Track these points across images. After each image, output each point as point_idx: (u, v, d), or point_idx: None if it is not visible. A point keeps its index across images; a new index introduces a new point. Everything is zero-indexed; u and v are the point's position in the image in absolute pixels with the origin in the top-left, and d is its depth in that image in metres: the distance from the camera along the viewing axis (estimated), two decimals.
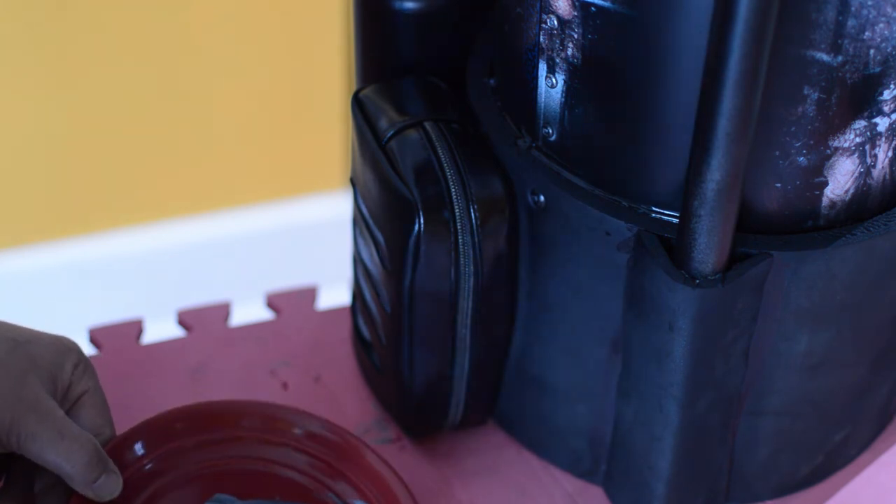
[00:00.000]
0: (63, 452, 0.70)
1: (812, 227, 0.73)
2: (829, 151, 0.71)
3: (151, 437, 0.78)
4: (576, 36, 0.71)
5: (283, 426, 0.80)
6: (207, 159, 1.61)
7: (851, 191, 0.73)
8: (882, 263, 0.74)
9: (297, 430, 0.80)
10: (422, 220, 0.74)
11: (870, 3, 0.66)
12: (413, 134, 0.77)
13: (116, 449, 0.76)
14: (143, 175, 1.59)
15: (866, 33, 0.67)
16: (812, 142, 0.70)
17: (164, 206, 1.63)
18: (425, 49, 0.82)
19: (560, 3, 0.71)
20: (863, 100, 0.69)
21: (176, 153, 1.59)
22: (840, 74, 0.68)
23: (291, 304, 0.94)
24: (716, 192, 0.67)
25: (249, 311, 0.98)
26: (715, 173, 0.66)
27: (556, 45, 0.73)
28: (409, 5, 0.80)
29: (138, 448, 0.77)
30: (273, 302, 0.94)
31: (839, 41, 0.67)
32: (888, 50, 0.68)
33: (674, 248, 0.71)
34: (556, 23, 0.72)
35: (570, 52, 0.72)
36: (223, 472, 0.79)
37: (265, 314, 0.94)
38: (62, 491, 0.73)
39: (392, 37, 0.82)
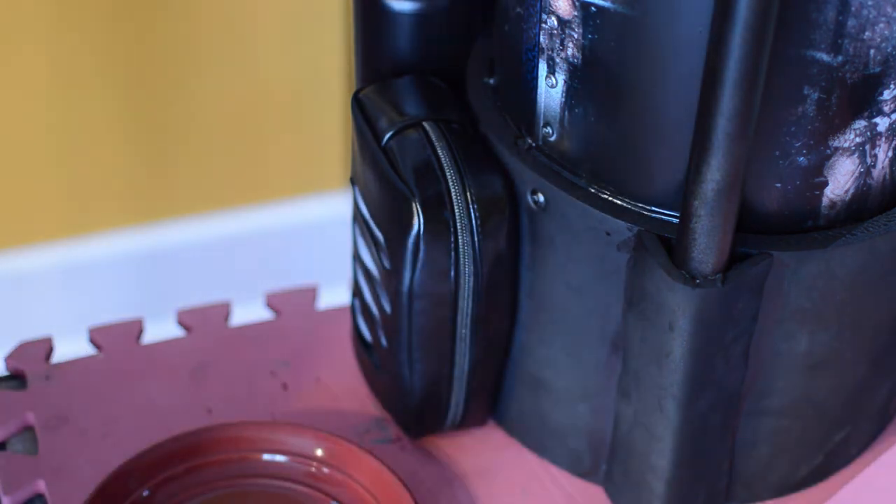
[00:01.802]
0: None
1: (812, 227, 0.73)
2: (829, 151, 0.71)
3: (147, 468, 0.78)
4: (576, 36, 0.71)
5: (276, 441, 0.80)
6: (207, 159, 1.61)
7: (851, 191, 0.73)
8: (882, 263, 0.74)
9: (290, 443, 0.80)
10: (422, 220, 0.74)
11: (870, 2, 0.66)
12: (413, 134, 0.77)
13: (114, 481, 0.76)
14: (143, 175, 1.59)
15: (866, 33, 0.67)
16: (812, 142, 0.70)
17: (163, 207, 1.63)
18: (425, 49, 0.82)
19: (560, 3, 0.71)
20: (863, 100, 0.69)
21: (176, 153, 1.59)
22: (840, 74, 0.68)
23: (291, 304, 0.94)
24: (716, 192, 0.67)
25: (249, 311, 0.98)
26: (715, 173, 0.66)
27: (556, 45, 0.73)
28: (409, 6, 0.80)
29: (136, 479, 0.77)
30: (273, 302, 0.94)
31: (839, 41, 0.67)
32: (888, 50, 0.68)
33: (674, 247, 0.71)
34: (555, 23, 0.72)
35: (570, 52, 0.72)
36: (222, 495, 0.79)
37: (265, 314, 0.94)
38: None
39: (392, 37, 0.82)
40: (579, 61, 0.72)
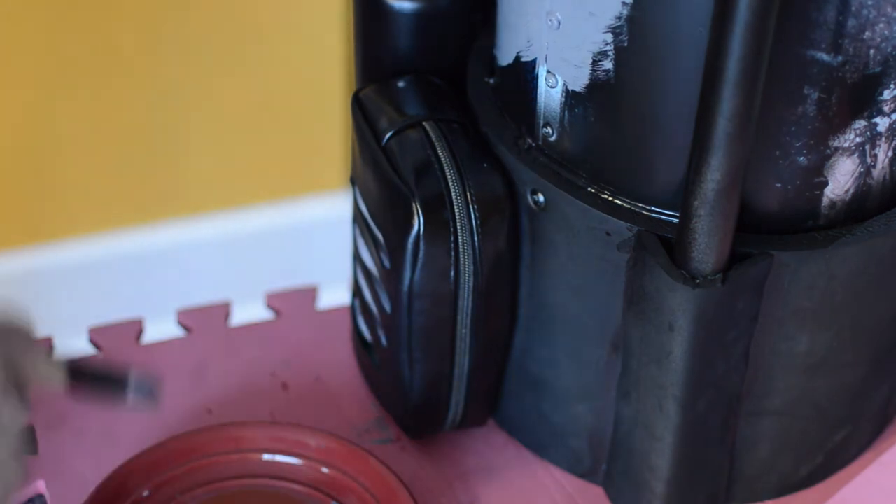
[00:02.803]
0: None
1: (812, 226, 0.73)
2: (829, 151, 0.71)
3: (147, 468, 0.78)
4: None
5: (276, 441, 0.80)
6: (207, 159, 1.61)
7: (851, 191, 0.73)
8: (882, 263, 0.74)
9: (290, 443, 0.80)
10: (422, 220, 0.74)
11: (870, 2, 0.66)
12: (413, 134, 0.77)
13: (114, 481, 0.76)
14: (143, 175, 1.59)
15: (866, 33, 0.67)
16: (812, 142, 0.70)
17: (163, 206, 1.63)
18: (425, 49, 0.82)
19: (561, 2, 0.71)
20: (863, 100, 0.69)
21: (176, 153, 1.59)
22: (840, 74, 0.68)
23: (291, 304, 0.94)
24: (716, 192, 0.67)
25: (249, 311, 0.98)
26: (715, 173, 0.66)
27: (557, 45, 0.72)
28: (409, 5, 0.80)
29: (136, 479, 0.77)
30: (273, 302, 0.94)
31: (839, 41, 0.66)
32: (888, 50, 0.68)
33: (674, 247, 0.71)
34: (556, 23, 0.72)
35: (570, 51, 0.72)
36: (222, 495, 0.79)
37: (265, 314, 0.94)
38: None
39: (392, 37, 0.82)
40: (579, 61, 0.72)
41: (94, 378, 0.67)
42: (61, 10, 1.43)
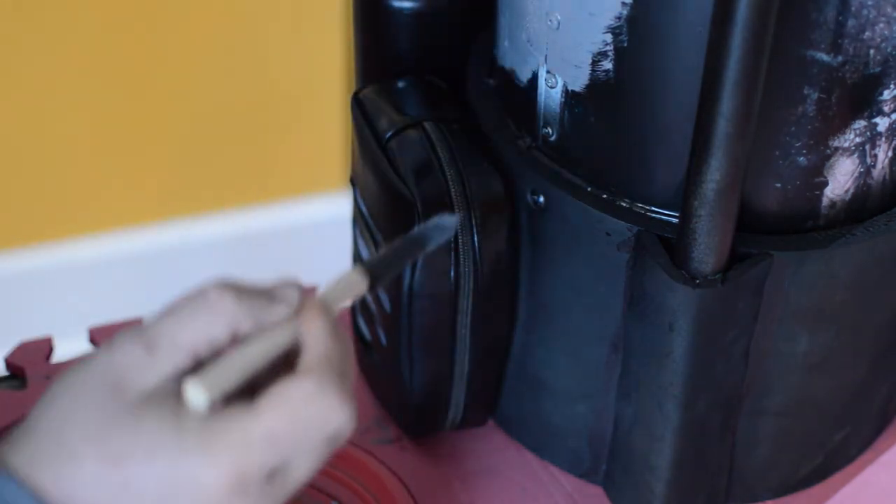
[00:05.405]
0: None
1: (812, 227, 0.73)
2: (829, 151, 0.71)
3: None
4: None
5: None
6: (207, 160, 1.61)
7: (851, 191, 0.73)
8: (882, 263, 0.74)
9: None
10: (422, 221, 0.74)
11: (870, 2, 0.66)
12: (413, 134, 0.77)
13: None
14: (142, 176, 1.59)
15: (866, 33, 0.67)
16: (812, 142, 0.70)
17: (163, 207, 1.63)
18: (425, 48, 0.82)
19: (560, 3, 0.71)
20: (863, 100, 0.69)
21: (175, 154, 1.59)
22: (840, 74, 0.68)
23: None
24: (716, 192, 0.67)
25: None
26: (715, 173, 0.66)
27: (557, 45, 0.72)
28: (409, 5, 0.80)
29: None
30: None
31: (839, 41, 0.67)
32: (888, 50, 0.68)
33: (674, 248, 0.71)
34: (556, 23, 0.72)
35: (570, 51, 0.72)
36: None
37: None
38: None
39: (392, 37, 0.82)
40: (579, 61, 0.72)
41: (392, 267, 0.65)
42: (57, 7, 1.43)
